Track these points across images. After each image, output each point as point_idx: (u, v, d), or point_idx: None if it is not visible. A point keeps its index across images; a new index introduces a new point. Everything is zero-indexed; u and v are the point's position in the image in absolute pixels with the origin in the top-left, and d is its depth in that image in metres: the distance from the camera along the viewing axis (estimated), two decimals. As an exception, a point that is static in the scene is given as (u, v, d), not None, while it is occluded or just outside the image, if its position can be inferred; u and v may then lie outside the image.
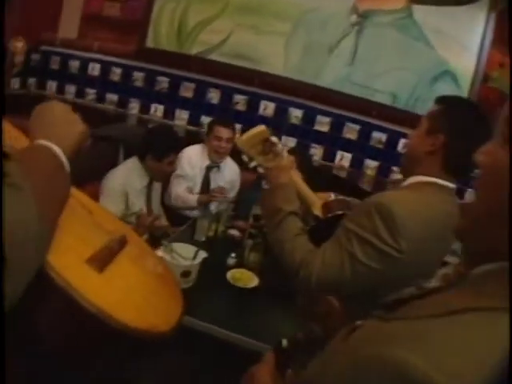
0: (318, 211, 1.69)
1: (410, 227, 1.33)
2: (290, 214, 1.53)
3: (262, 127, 1.60)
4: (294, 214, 1.54)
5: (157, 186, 3.23)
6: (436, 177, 1.44)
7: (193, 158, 3.50)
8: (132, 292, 1.04)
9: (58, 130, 0.94)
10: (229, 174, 3.67)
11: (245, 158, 1.64)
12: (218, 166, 3.61)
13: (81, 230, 1.08)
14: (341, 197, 1.76)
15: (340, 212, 1.65)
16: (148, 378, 2.54)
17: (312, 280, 1.37)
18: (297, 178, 1.69)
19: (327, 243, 1.44)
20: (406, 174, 1.54)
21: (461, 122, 1.41)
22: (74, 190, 1.22)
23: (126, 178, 2.92)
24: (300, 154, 3.48)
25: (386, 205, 1.34)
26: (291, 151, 3.38)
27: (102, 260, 1.01)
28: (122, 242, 1.16)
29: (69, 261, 0.93)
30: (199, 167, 3.54)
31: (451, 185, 1.46)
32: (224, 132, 3.41)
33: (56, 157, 0.89)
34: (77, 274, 0.90)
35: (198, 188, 3.56)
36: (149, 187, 3.07)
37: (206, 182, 3.58)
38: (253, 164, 1.63)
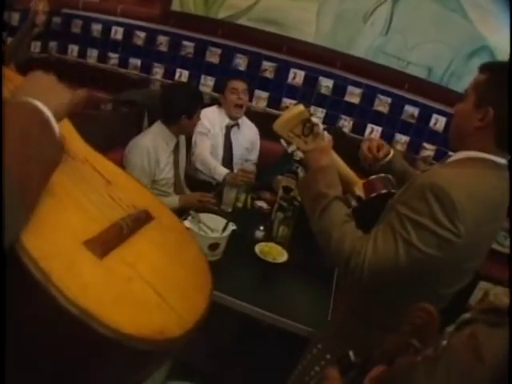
0: (359, 191, 1.59)
1: (468, 210, 1.22)
2: (334, 199, 1.41)
3: (300, 107, 1.46)
4: (338, 199, 1.42)
5: (182, 152, 3.16)
6: (488, 152, 1.32)
7: (210, 116, 3.45)
8: (141, 284, 0.84)
9: (47, 94, 0.82)
10: (249, 133, 3.66)
11: (283, 142, 1.51)
12: (238, 125, 3.57)
13: (88, 204, 0.92)
14: (382, 174, 1.65)
15: (384, 191, 1.56)
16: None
17: (364, 270, 1.27)
18: (334, 156, 1.58)
19: (378, 229, 1.33)
20: (455, 148, 1.43)
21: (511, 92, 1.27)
22: (91, 154, 1.10)
23: (155, 143, 2.85)
24: (336, 131, 3.39)
25: (442, 187, 1.22)
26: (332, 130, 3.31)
27: (106, 242, 0.84)
28: (140, 220, 0.99)
29: (58, 245, 0.76)
30: (219, 126, 3.50)
31: (504, 160, 1.33)
32: (239, 84, 3.42)
33: (39, 113, 0.76)
34: (63, 262, 0.73)
35: (220, 149, 3.52)
36: (176, 152, 3.00)
37: (228, 142, 3.55)
38: (292, 148, 1.50)
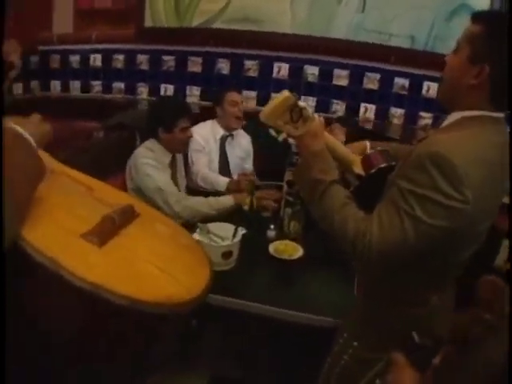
0: (358, 169, 1.54)
1: (472, 174, 1.17)
2: (331, 183, 1.36)
3: (285, 93, 1.40)
4: (335, 182, 1.38)
5: (181, 168, 3.12)
6: (483, 109, 1.27)
7: (202, 132, 3.42)
8: (144, 264, 0.94)
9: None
10: (243, 142, 3.63)
11: (272, 132, 1.46)
12: (232, 136, 3.53)
13: (76, 206, 1.02)
14: (378, 147, 1.60)
15: (384, 165, 1.51)
16: (201, 364, 2.46)
17: (372, 250, 1.22)
18: (329, 137, 1.52)
19: (381, 207, 1.28)
20: (448, 107, 1.37)
21: (507, 48, 1.20)
22: (67, 169, 1.19)
23: (151, 156, 2.80)
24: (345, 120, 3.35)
25: (442, 155, 1.17)
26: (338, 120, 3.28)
27: (102, 233, 0.94)
28: (127, 213, 1.08)
29: (58, 239, 0.85)
30: (213, 140, 3.47)
31: (501, 114, 1.28)
32: (237, 96, 3.41)
33: (19, 135, 0.88)
34: (67, 251, 0.82)
35: (216, 162, 3.49)
36: (173, 168, 2.95)
37: (223, 154, 3.52)
38: (282, 137, 1.45)
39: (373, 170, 1.52)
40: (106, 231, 0.95)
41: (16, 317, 0.76)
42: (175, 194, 2.74)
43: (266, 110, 1.41)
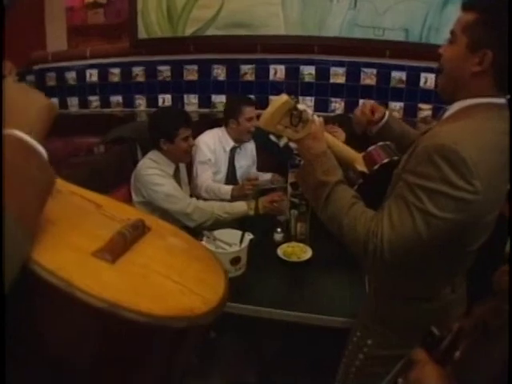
0: (361, 167, 1.53)
1: (480, 163, 1.15)
2: (336, 184, 1.34)
3: (283, 97, 1.37)
4: (340, 182, 1.36)
5: (184, 180, 3.12)
6: (487, 96, 1.25)
7: (210, 143, 3.37)
8: (158, 278, 0.92)
9: (16, 114, 0.82)
10: (249, 149, 3.61)
11: (273, 137, 1.44)
12: (240, 146, 3.50)
13: (85, 225, 0.99)
14: (380, 142, 1.59)
15: (386, 160, 1.50)
16: (216, 371, 2.45)
17: (384, 250, 1.21)
18: (328, 137, 1.51)
19: (390, 203, 1.26)
20: (450, 99, 1.35)
21: (506, 30, 1.18)
22: (74, 187, 1.16)
23: (156, 166, 2.79)
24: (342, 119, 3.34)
25: (448, 146, 1.15)
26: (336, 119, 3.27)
27: (114, 249, 0.91)
28: (138, 228, 1.05)
29: (69, 258, 0.82)
30: (222, 151, 3.43)
31: (504, 100, 1.27)
32: (253, 111, 3.31)
33: (22, 142, 0.78)
34: (79, 270, 0.80)
35: (223, 173, 3.46)
36: (176, 177, 2.95)
37: (232, 165, 3.49)
38: (283, 142, 1.42)
39: (376, 167, 1.51)
40: (117, 247, 0.94)
41: (30, 342, 0.74)
42: (185, 198, 2.76)
43: (264, 117, 1.39)
